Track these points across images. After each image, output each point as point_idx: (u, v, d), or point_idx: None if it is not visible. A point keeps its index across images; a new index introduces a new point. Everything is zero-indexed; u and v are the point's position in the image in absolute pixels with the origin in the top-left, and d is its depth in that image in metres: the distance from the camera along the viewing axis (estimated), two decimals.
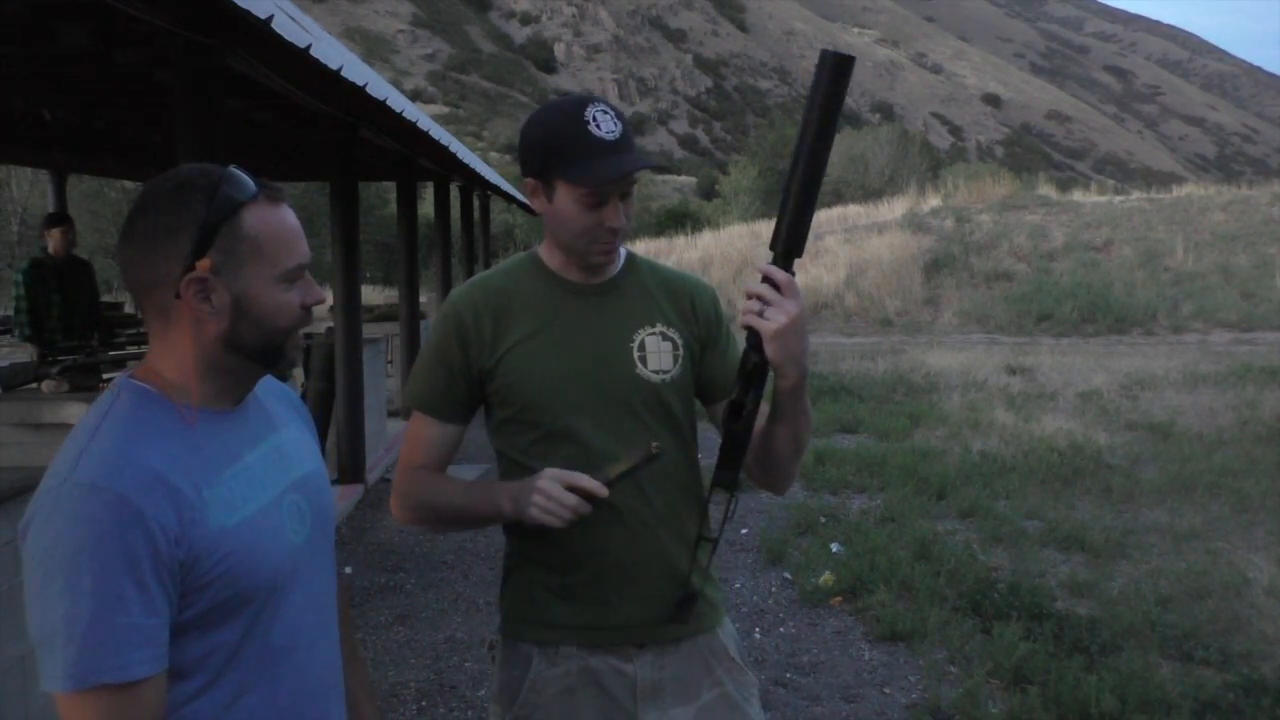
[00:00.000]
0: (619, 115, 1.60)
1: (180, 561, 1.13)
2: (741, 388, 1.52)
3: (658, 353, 1.69)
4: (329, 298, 7.14)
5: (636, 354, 1.68)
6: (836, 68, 1.38)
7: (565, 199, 1.59)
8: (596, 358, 1.66)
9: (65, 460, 1.13)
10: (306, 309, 1.26)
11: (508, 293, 1.69)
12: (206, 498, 1.16)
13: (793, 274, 1.48)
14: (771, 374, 1.53)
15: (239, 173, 1.22)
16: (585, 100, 1.60)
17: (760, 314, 1.47)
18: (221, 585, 1.16)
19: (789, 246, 1.46)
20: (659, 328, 1.71)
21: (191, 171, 1.22)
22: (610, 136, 1.56)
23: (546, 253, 1.72)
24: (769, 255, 1.50)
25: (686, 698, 1.69)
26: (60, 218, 6.69)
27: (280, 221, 1.23)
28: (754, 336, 1.48)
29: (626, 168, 1.56)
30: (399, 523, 1.80)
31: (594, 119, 1.56)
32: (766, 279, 1.47)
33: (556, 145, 1.57)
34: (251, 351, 1.23)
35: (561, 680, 1.65)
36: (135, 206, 1.21)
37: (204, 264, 1.18)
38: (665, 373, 1.69)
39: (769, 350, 1.48)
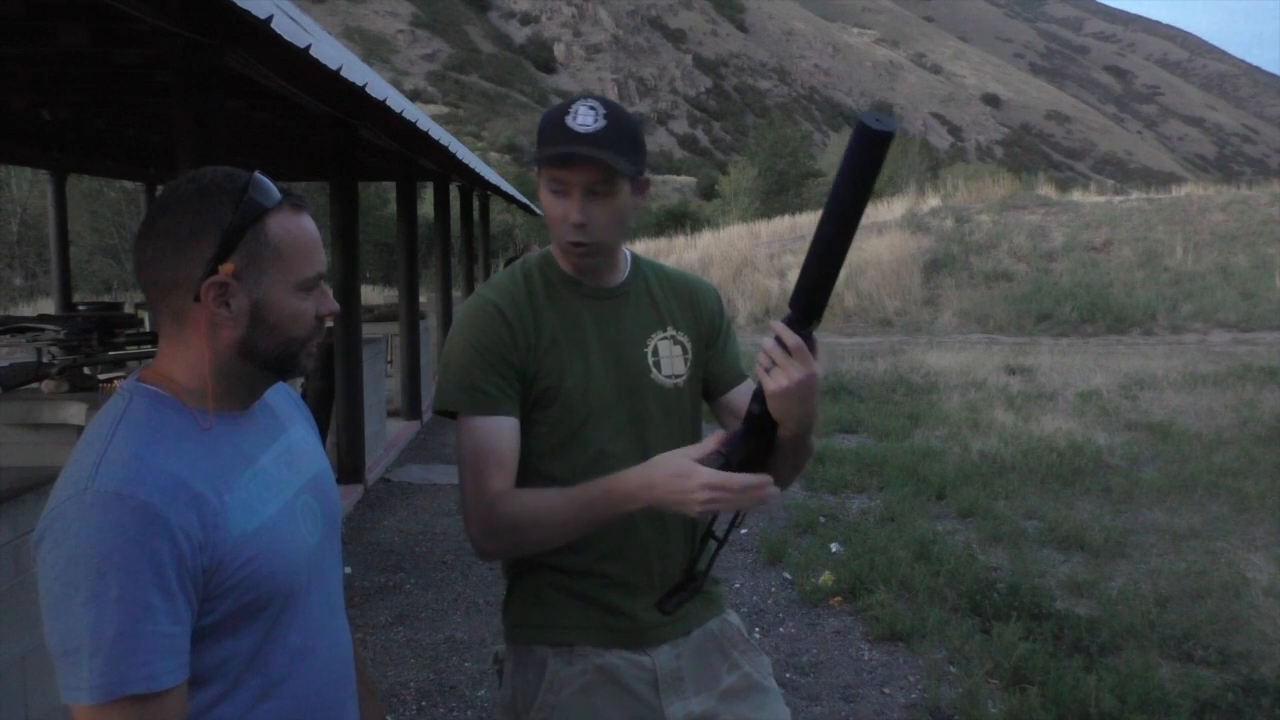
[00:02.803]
0: (611, 116, 1.58)
1: (204, 568, 1.12)
2: (740, 435, 1.48)
3: (670, 357, 1.71)
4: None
5: (651, 360, 1.69)
6: (872, 142, 1.27)
7: (542, 187, 1.63)
8: (616, 364, 1.67)
9: (82, 468, 1.11)
10: (321, 319, 1.26)
11: (534, 294, 1.68)
12: (228, 502, 1.15)
13: (808, 336, 1.40)
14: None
15: (264, 179, 1.22)
16: (582, 97, 1.63)
17: (767, 371, 1.41)
18: (243, 590, 1.15)
19: (804, 312, 1.39)
20: (669, 332, 1.73)
21: (217, 174, 1.21)
22: (583, 129, 1.57)
23: (557, 252, 1.71)
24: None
25: (707, 684, 1.69)
26: None
27: (302, 229, 1.23)
28: (759, 389, 1.44)
29: (573, 149, 1.56)
30: (486, 558, 1.62)
31: (576, 111, 1.58)
32: (778, 338, 1.40)
33: (540, 132, 1.62)
34: (266, 359, 1.22)
35: (579, 679, 1.64)
36: (157, 206, 1.20)
37: (227, 268, 1.16)
38: (678, 377, 1.71)
39: (770, 406, 1.43)
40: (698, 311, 1.77)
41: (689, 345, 1.74)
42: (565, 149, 1.56)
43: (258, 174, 1.22)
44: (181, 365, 1.21)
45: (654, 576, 1.66)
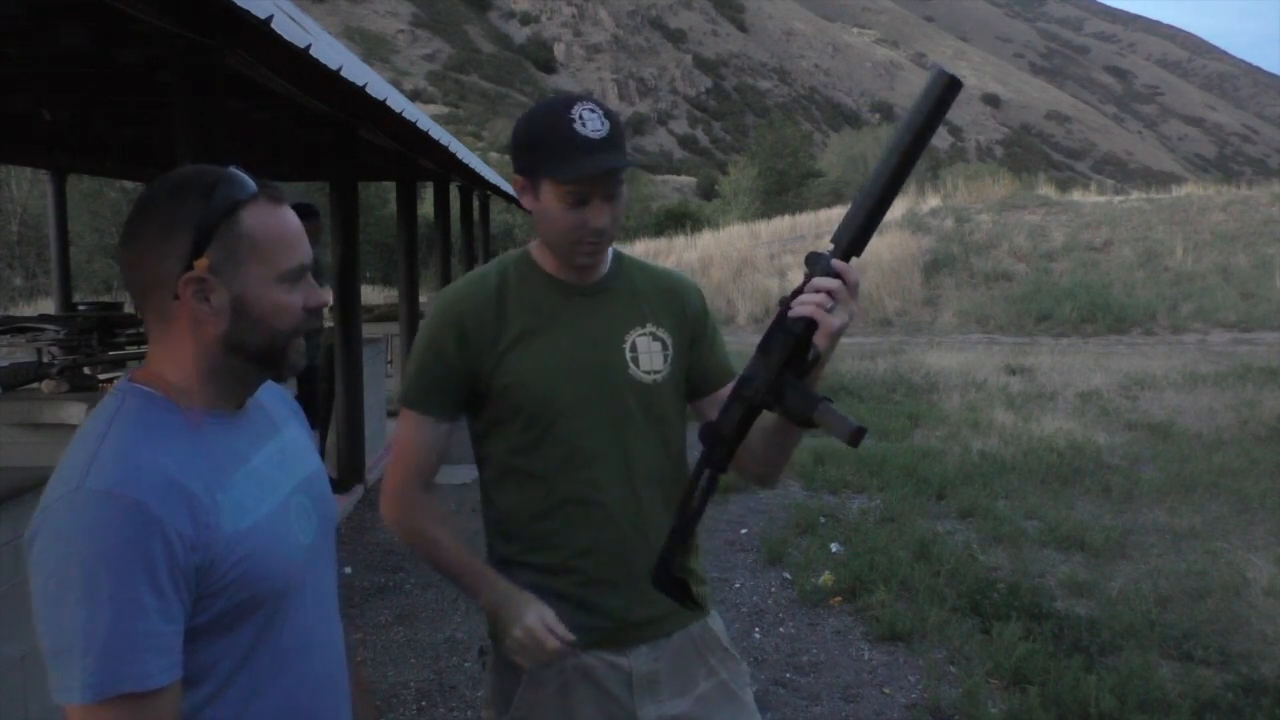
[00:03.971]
0: (609, 115, 1.59)
1: (196, 567, 1.11)
2: (779, 376, 1.47)
3: (649, 353, 1.70)
4: (329, 298, 7.12)
5: (629, 355, 1.69)
6: (948, 88, 1.37)
7: (550, 197, 1.59)
8: (591, 359, 1.67)
9: (74, 468, 1.11)
10: (309, 311, 1.25)
11: (505, 290, 1.68)
12: (220, 501, 1.15)
13: None
14: None
15: (238, 173, 1.21)
16: (574, 99, 1.61)
17: (828, 310, 1.43)
18: (235, 590, 1.15)
19: (851, 248, 1.44)
20: (649, 328, 1.72)
21: (190, 172, 1.21)
22: (596, 135, 1.55)
23: (539, 252, 1.71)
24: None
25: (683, 689, 1.69)
26: (305, 210, 6.30)
27: (280, 221, 1.22)
28: (807, 328, 1.44)
29: (606, 164, 1.55)
30: (387, 524, 1.80)
31: (580, 116, 1.56)
32: (839, 276, 1.43)
33: (542, 142, 1.58)
34: (252, 354, 1.22)
35: (556, 679, 1.65)
36: (135, 207, 1.20)
37: (202, 263, 1.16)
38: (656, 373, 1.70)
39: (822, 343, 1.45)
40: (682, 310, 1.77)
41: (670, 342, 1.73)
42: (602, 163, 1.54)
43: (232, 168, 1.21)
44: (171, 364, 1.21)
45: (634, 571, 1.65)
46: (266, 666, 1.21)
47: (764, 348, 1.49)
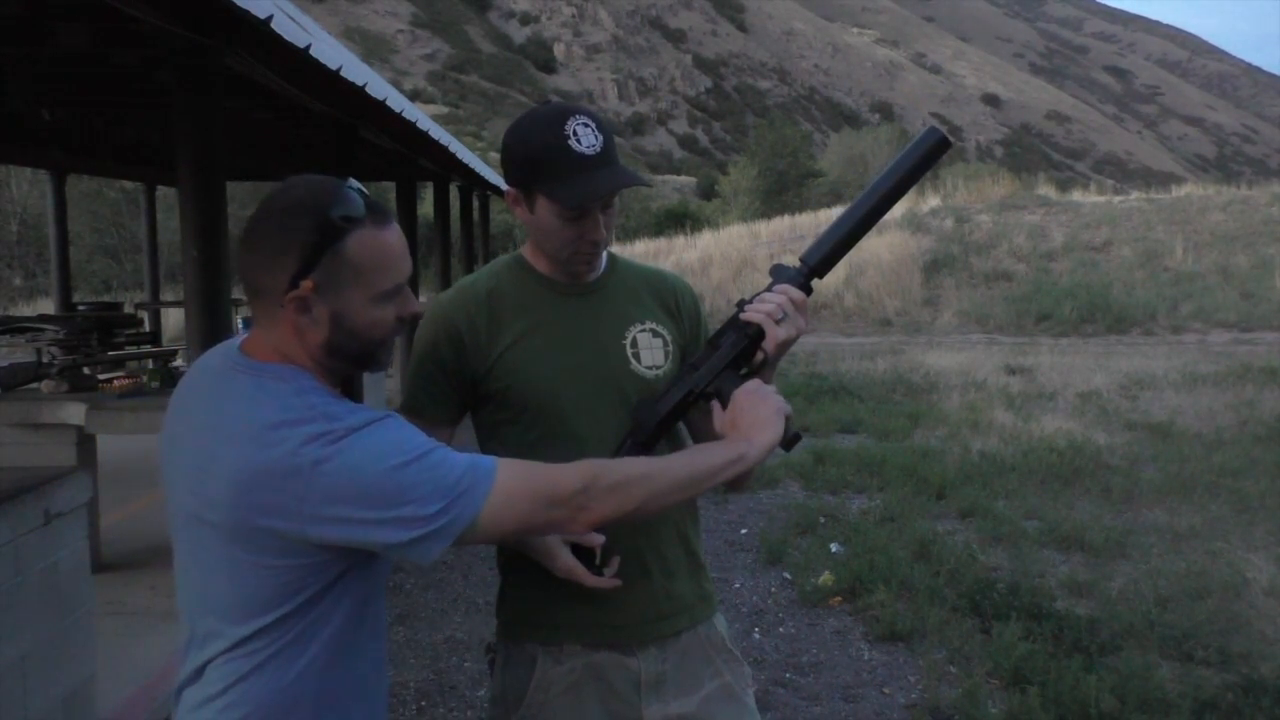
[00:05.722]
0: (601, 126, 1.58)
1: None
2: (723, 371, 1.61)
3: (650, 349, 1.72)
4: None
5: (630, 350, 1.70)
6: (937, 145, 1.55)
7: (546, 212, 1.59)
8: (592, 355, 1.68)
9: (312, 427, 1.23)
10: (402, 321, 1.36)
11: (498, 294, 1.69)
12: None
13: (810, 291, 1.60)
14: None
15: (351, 193, 1.29)
16: (566, 112, 1.58)
17: (777, 320, 1.56)
18: None
19: (817, 270, 1.59)
20: (649, 324, 1.73)
21: (305, 191, 1.29)
22: (591, 151, 1.55)
23: (531, 256, 1.72)
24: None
25: (689, 689, 1.70)
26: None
27: (381, 246, 1.31)
28: (758, 332, 1.58)
29: (607, 186, 1.55)
30: None
31: (574, 133, 1.54)
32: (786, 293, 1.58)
33: (537, 160, 1.56)
34: (348, 357, 1.35)
35: (567, 677, 1.66)
36: (255, 216, 1.30)
37: (307, 285, 1.27)
38: (658, 368, 1.71)
39: (770, 350, 1.58)
40: (677, 308, 1.79)
41: (669, 338, 1.74)
42: (602, 186, 1.54)
43: (347, 189, 1.29)
44: (290, 352, 1.32)
45: (647, 562, 1.67)
46: (373, 611, 1.39)
47: (714, 342, 1.62)
